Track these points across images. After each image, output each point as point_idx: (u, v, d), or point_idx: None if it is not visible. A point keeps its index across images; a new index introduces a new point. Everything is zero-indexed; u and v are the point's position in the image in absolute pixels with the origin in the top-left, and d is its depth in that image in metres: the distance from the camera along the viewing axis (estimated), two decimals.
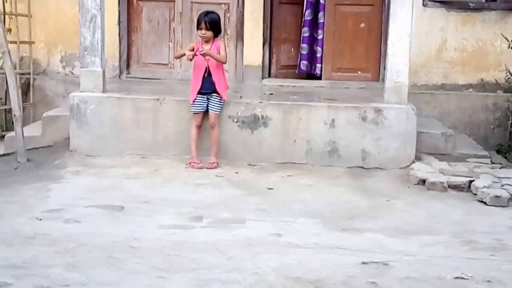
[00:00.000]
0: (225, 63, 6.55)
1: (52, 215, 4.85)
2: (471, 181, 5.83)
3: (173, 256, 4.06)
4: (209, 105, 6.43)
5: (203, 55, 6.33)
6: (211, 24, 6.36)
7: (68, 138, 6.71)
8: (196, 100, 6.40)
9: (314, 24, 8.56)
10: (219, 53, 6.39)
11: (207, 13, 6.46)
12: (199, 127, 6.46)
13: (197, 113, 6.43)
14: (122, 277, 3.70)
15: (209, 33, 6.37)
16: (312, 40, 8.58)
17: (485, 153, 7.03)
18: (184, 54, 6.42)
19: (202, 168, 6.30)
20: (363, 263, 4.04)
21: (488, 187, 5.65)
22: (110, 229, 4.57)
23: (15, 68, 7.53)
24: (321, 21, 8.47)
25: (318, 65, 8.52)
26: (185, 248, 4.22)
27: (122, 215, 4.96)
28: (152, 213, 5.00)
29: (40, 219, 4.75)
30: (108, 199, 5.33)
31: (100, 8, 6.63)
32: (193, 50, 6.41)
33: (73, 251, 4.10)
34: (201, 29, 6.37)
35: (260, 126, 6.59)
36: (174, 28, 8.52)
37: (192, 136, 6.44)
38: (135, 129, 6.67)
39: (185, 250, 4.17)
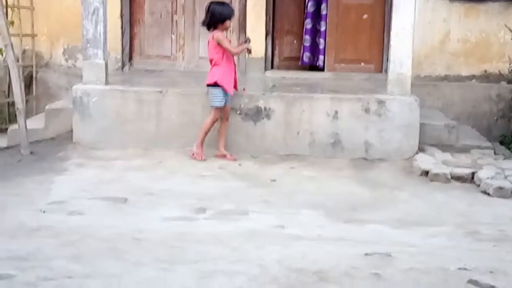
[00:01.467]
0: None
1: (55, 207, 4.87)
2: (474, 173, 5.83)
3: (177, 248, 4.07)
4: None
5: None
6: None
7: (71, 130, 6.72)
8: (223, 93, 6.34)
9: (316, 16, 8.54)
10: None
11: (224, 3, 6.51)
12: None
13: (223, 106, 6.38)
14: (125, 269, 3.71)
15: None
16: (315, 32, 8.55)
17: (488, 144, 7.02)
18: (247, 49, 6.51)
19: (205, 160, 6.30)
20: (366, 254, 4.05)
21: (491, 178, 5.64)
22: (113, 221, 4.58)
23: (18, 61, 7.53)
24: (324, 12, 8.44)
25: (321, 57, 8.49)
26: (189, 239, 4.23)
27: (126, 207, 4.97)
28: (156, 205, 5.01)
29: (44, 211, 4.76)
30: (111, 191, 5.34)
31: (103, 1, 6.63)
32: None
33: (77, 243, 4.11)
34: (230, 20, 6.37)
35: (263, 118, 6.59)
36: (176, 21, 8.49)
37: (209, 128, 6.36)
38: (138, 121, 6.67)
39: (189, 242, 4.18)
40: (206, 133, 6.37)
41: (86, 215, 4.73)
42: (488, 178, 5.65)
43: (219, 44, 6.30)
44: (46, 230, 4.34)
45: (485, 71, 8.19)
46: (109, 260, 3.84)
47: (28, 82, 8.49)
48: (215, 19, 6.31)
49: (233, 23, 8.32)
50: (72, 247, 4.04)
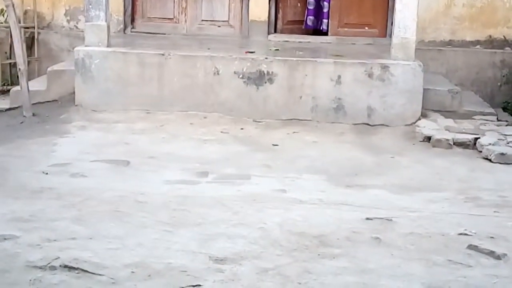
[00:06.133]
0: None
1: (58, 169, 4.88)
2: (476, 139, 5.82)
3: (179, 211, 4.10)
4: None
5: None
6: None
7: (74, 92, 6.70)
8: None
9: None
10: None
11: None
12: None
13: None
14: (128, 231, 3.74)
15: None
16: None
17: (491, 110, 7.00)
18: None
19: None
20: (367, 219, 4.07)
21: (493, 145, 5.64)
22: (116, 184, 4.60)
23: (19, 22, 7.45)
24: None
25: (325, 21, 8.41)
26: (191, 203, 4.25)
27: (128, 170, 4.99)
28: (158, 168, 5.02)
29: (47, 173, 4.78)
30: (114, 154, 5.35)
31: None
32: None
33: (80, 205, 4.14)
34: None
35: (265, 83, 6.56)
36: None
37: None
38: (140, 84, 6.64)
39: (191, 205, 4.20)
40: None
41: (88, 177, 4.75)
42: (490, 144, 5.64)
43: None
44: (48, 192, 4.36)
45: (490, 36, 8.12)
46: (112, 222, 3.87)
47: (30, 43, 8.42)
48: None
49: None
50: (74, 209, 4.06)
